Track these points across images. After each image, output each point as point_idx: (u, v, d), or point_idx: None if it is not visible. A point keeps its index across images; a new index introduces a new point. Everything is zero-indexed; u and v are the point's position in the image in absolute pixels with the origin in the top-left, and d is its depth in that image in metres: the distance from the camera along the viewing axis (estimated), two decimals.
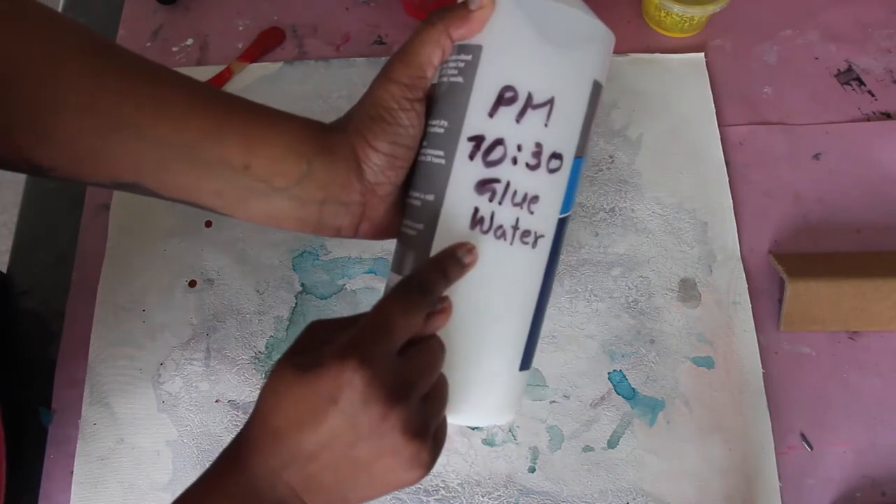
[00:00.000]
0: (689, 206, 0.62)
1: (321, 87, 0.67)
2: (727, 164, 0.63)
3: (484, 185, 0.35)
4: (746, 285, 0.59)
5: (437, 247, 0.36)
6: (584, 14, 0.36)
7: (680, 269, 0.60)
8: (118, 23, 0.71)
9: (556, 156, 0.36)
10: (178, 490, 0.33)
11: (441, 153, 0.36)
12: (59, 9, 0.73)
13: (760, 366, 0.56)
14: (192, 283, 0.60)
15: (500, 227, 0.35)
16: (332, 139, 0.37)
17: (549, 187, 0.36)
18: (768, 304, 0.59)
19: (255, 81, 0.68)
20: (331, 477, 0.32)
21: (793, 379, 0.56)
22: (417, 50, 0.36)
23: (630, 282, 0.59)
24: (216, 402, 0.56)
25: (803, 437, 0.55)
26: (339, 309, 0.59)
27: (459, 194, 0.36)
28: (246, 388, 0.57)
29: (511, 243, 0.36)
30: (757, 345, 0.57)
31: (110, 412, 0.56)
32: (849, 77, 0.67)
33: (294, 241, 0.61)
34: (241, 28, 0.70)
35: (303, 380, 0.31)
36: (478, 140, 0.35)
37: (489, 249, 0.35)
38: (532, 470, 0.54)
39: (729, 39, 0.69)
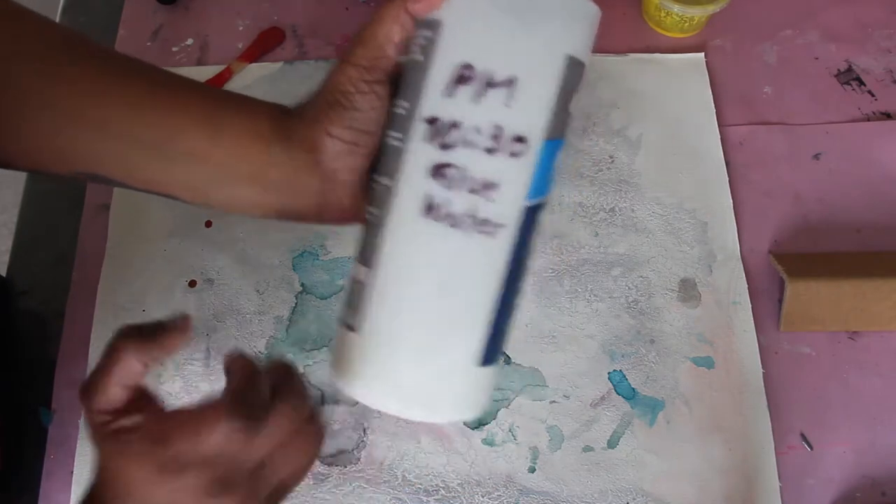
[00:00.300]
0: (689, 206, 0.62)
1: None
2: (727, 164, 0.63)
3: (438, 170, 0.33)
4: (746, 285, 0.59)
5: (390, 234, 0.34)
6: None
7: (680, 269, 0.60)
8: (118, 23, 0.71)
9: (519, 139, 0.33)
10: None
11: (400, 135, 0.34)
12: (59, 9, 0.73)
13: (760, 366, 0.56)
14: (192, 283, 0.60)
15: (455, 214, 0.33)
16: (290, 125, 0.37)
17: (511, 173, 0.34)
18: (768, 304, 0.59)
19: (255, 81, 0.68)
20: None
21: (793, 379, 0.56)
22: (375, 29, 0.34)
23: (630, 282, 0.59)
24: None
25: (803, 437, 0.55)
26: (339, 309, 0.59)
27: (413, 179, 0.33)
28: None
29: (465, 232, 0.33)
30: (757, 345, 0.57)
31: None
32: (849, 77, 0.67)
33: (294, 241, 0.61)
34: (241, 28, 0.70)
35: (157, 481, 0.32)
36: (433, 122, 0.33)
37: (442, 238, 0.33)
38: (532, 470, 0.54)
39: (729, 39, 0.69)
